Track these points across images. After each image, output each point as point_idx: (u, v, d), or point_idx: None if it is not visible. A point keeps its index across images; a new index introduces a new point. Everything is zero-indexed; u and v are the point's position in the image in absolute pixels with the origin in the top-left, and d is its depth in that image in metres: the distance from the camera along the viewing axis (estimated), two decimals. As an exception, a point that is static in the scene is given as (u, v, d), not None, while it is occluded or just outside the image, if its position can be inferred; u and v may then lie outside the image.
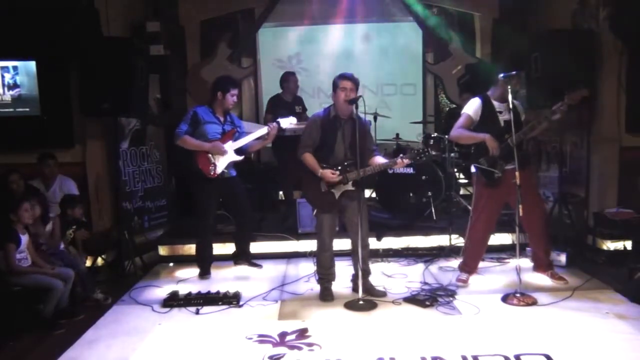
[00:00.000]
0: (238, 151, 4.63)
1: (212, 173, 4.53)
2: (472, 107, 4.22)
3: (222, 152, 4.53)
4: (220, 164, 4.55)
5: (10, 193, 4.50)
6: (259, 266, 4.97)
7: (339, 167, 3.93)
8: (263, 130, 4.61)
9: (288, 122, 4.67)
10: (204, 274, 4.77)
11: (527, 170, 4.09)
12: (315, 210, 4.10)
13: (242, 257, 4.99)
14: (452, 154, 5.84)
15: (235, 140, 4.62)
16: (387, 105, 7.62)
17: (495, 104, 4.17)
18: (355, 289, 4.12)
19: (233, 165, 4.69)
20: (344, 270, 4.57)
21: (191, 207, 4.81)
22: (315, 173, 3.94)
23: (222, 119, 4.65)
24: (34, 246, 3.95)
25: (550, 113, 3.98)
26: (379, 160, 3.98)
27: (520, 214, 3.81)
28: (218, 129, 4.60)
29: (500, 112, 4.14)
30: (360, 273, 4.02)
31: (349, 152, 3.92)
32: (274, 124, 4.59)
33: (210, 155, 4.52)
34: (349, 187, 3.94)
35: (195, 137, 4.51)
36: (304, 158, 4.00)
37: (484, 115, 4.17)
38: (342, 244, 4.66)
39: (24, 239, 3.84)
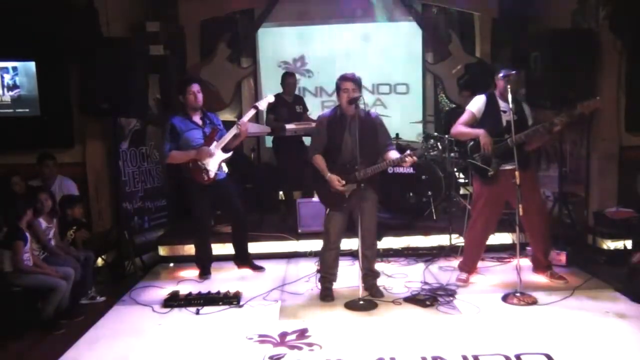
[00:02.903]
0: (225, 149, 4.58)
1: (206, 179, 4.47)
2: (476, 104, 4.22)
3: (209, 154, 4.46)
4: (212, 167, 4.48)
5: (12, 194, 4.51)
6: (262, 269, 4.92)
7: (347, 166, 3.92)
8: (233, 131, 4.53)
9: (265, 102, 4.67)
10: (204, 274, 4.77)
11: (528, 172, 4.08)
12: (327, 209, 4.10)
13: (243, 259, 4.94)
14: (452, 154, 5.84)
15: (219, 139, 4.56)
16: (387, 105, 7.63)
17: (501, 103, 4.15)
18: (365, 288, 4.11)
19: (225, 164, 4.63)
20: (344, 270, 4.56)
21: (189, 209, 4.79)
22: (323, 175, 3.95)
23: (200, 122, 4.58)
24: (42, 250, 4.02)
25: (550, 124, 3.93)
26: (392, 155, 3.91)
27: (521, 213, 3.81)
28: (199, 134, 4.54)
29: (505, 112, 4.11)
30: (361, 272, 4.02)
31: (358, 150, 3.90)
32: (243, 119, 4.54)
33: (199, 161, 4.46)
34: (358, 185, 3.93)
35: (181, 148, 4.47)
36: (314, 160, 4.01)
37: (487, 112, 4.16)
38: (343, 244, 4.66)
39: (28, 238, 3.86)
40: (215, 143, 4.53)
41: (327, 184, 3.95)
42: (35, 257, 3.91)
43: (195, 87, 4.54)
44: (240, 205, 4.78)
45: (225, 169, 4.66)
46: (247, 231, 4.97)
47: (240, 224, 4.84)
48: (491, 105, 4.16)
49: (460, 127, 4.22)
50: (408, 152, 3.82)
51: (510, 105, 3.90)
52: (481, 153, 4.13)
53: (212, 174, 4.49)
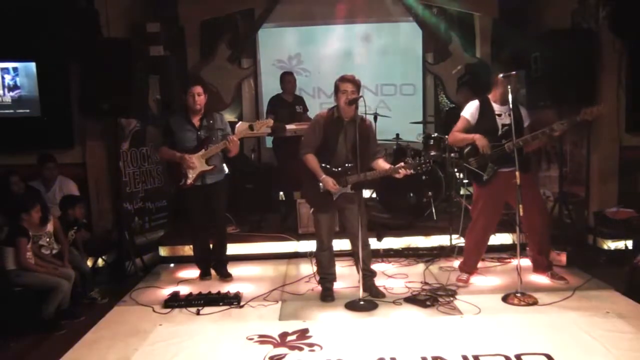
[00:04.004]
0: (209, 161, 4.40)
1: (181, 183, 4.41)
2: (469, 110, 4.24)
3: (190, 166, 4.35)
4: (191, 175, 4.39)
5: (10, 194, 4.51)
6: (229, 277, 4.68)
7: (339, 169, 3.92)
8: (222, 145, 4.37)
9: (264, 125, 4.42)
10: (205, 275, 4.76)
11: (528, 173, 4.08)
12: (312, 209, 4.10)
13: (217, 267, 4.78)
14: (452, 154, 5.84)
15: (208, 147, 4.38)
16: (387, 106, 7.63)
17: (495, 106, 4.16)
18: (365, 289, 4.10)
19: (225, 165, 4.53)
20: (344, 271, 4.57)
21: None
22: (316, 176, 3.92)
23: (197, 124, 4.44)
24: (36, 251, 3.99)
25: (550, 130, 3.92)
26: (382, 165, 3.93)
27: (521, 213, 3.81)
28: (193, 136, 4.41)
29: (500, 115, 4.13)
30: (360, 274, 4.02)
31: (351, 155, 3.89)
32: (234, 137, 4.34)
33: (182, 165, 4.38)
34: (348, 189, 3.93)
35: (175, 146, 4.40)
36: (305, 159, 3.97)
37: (481, 117, 4.18)
38: (342, 244, 4.67)
39: (30, 236, 3.87)
40: (202, 151, 4.38)
41: (316, 185, 3.94)
42: (36, 257, 3.91)
43: (197, 90, 4.40)
44: (222, 214, 4.65)
45: (226, 170, 4.64)
46: (223, 240, 4.77)
47: (217, 233, 4.70)
48: (485, 110, 4.18)
49: (456, 134, 4.26)
50: (402, 164, 3.83)
51: (511, 106, 3.90)
52: (477, 157, 4.15)
53: (189, 182, 4.39)
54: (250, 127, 4.38)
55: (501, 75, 4.05)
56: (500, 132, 4.11)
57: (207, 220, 4.56)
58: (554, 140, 4.19)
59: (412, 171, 3.81)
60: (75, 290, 4.06)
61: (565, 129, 3.90)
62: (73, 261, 4.20)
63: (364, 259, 4.07)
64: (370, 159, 3.98)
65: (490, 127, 4.13)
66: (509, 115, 3.93)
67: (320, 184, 3.94)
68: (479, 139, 4.07)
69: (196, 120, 4.48)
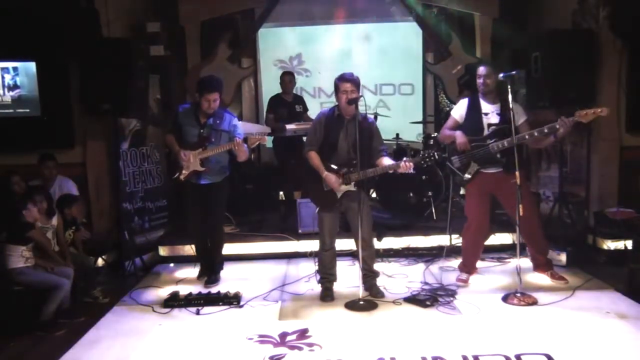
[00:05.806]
0: (204, 162, 4.31)
1: (175, 176, 4.38)
2: (458, 109, 4.30)
3: (184, 162, 4.29)
4: (185, 170, 4.33)
5: (12, 194, 4.51)
6: (211, 285, 4.55)
7: (343, 168, 3.92)
8: (216, 149, 4.27)
9: (257, 140, 4.24)
10: (202, 274, 4.74)
11: (512, 174, 4.00)
12: (317, 209, 4.10)
13: (207, 272, 4.70)
14: (443, 155, 5.83)
15: (205, 148, 4.29)
16: (387, 105, 7.63)
17: (484, 105, 4.15)
18: (365, 288, 4.10)
19: (212, 173, 4.39)
20: (344, 271, 4.57)
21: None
22: (319, 173, 3.94)
23: (203, 121, 4.35)
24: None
25: (548, 128, 3.86)
26: (386, 161, 3.91)
27: (521, 213, 3.79)
28: (195, 132, 4.35)
29: (486, 114, 4.13)
30: (361, 273, 4.02)
31: (353, 152, 3.90)
32: (239, 141, 4.20)
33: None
34: (351, 187, 3.94)
35: (181, 137, 4.37)
36: (309, 156, 4.00)
37: (468, 116, 4.21)
38: (343, 244, 4.67)
39: None
40: (199, 150, 4.30)
41: (319, 184, 3.95)
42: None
43: (213, 97, 4.24)
44: (217, 217, 4.56)
45: (227, 172, 4.60)
46: (218, 244, 4.67)
47: (210, 236, 4.63)
48: (472, 109, 4.19)
49: (444, 131, 4.32)
50: (405, 159, 3.83)
51: (500, 107, 3.89)
52: (461, 156, 4.15)
53: (182, 177, 4.34)
54: (245, 140, 4.25)
55: (501, 75, 4.03)
56: (486, 132, 4.11)
57: (203, 220, 4.54)
58: (558, 140, 4.13)
59: (412, 169, 3.81)
60: (76, 287, 4.06)
61: (565, 130, 3.83)
62: (76, 259, 4.21)
63: (367, 259, 4.06)
64: (373, 156, 3.99)
65: (475, 127, 4.15)
66: (497, 114, 3.93)
67: (324, 182, 3.95)
68: (458, 136, 4.11)
69: (202, 118, 4.38)
